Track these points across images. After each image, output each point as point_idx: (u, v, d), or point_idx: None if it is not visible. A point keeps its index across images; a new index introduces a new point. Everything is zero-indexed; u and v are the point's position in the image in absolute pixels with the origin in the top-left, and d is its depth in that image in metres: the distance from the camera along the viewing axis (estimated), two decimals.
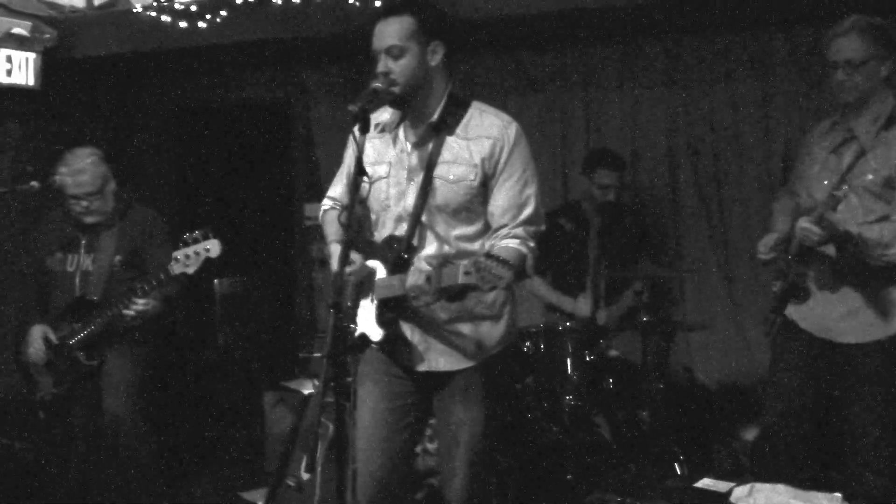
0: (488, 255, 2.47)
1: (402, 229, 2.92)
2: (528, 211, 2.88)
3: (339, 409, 2.58)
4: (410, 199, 2.91)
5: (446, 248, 2.88)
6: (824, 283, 3.38)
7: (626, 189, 4.94)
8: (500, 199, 2.88)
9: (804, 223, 3.23)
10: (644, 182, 5.40)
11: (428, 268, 2.71)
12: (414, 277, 2.69)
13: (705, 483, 3.31)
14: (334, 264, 2.93)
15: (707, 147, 5.27)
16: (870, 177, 3.25)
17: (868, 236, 3.20)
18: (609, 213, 4.87)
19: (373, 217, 3.05)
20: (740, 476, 4.47)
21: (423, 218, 2.89)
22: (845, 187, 3.19)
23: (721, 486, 3.27)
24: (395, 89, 2.82)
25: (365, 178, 2.75)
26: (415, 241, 2.90)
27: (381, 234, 3.01)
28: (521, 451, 4.21)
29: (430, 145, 2.90)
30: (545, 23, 4.87)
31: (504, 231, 2.87)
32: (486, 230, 2.93)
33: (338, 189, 3.22)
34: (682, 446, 4.34)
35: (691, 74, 5.27)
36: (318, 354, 4.35)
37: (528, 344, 4.46)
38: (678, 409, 4.55)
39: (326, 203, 3.25)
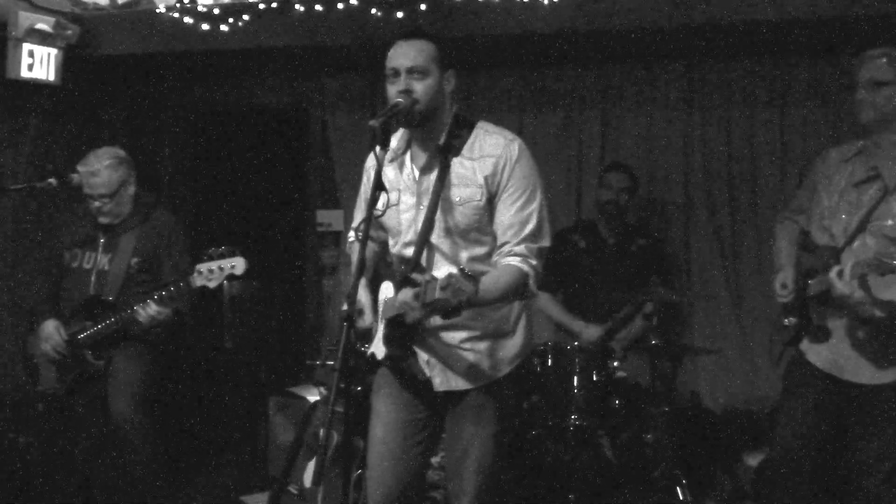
0: (461, 271, 2.51)
1: (410, 252, 2.95)
2: (529, 228, 2.89)
3: (347, 419, 2.60)
4: (419, 224, 2.93)
5: (456, 269, 2.89)
6: (836, 322, 3.36)
7: (633, 197, 4.95)
8: (503, 217, 2.90)
9: (846, 289, 3.14)
10: (658, 204, 5.40)
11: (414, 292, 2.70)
12: (403, 294, 2.70)
13: None
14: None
15: (722, 172, 5.27)
16: (890, 222, 3.22)
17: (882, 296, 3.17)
18: (622, 233, 4.88)
19: (391, 241, 3.10)
20: (742, 502, 4.48)
21: (433, 240, 2.92)
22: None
23: None
24: (417, 107, 2.84)
25: (383, 193, 2.79)
26: (423, 263, 2.92)
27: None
28: (523, 470, 4.21)
29: (437, 169, 2.92)
30: (565, 41, 4.88)
31: (506, 249, 2.89)
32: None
33: (360, 218, 3.22)
34: (684, 470, 4.33)
35: (710, 98, 5.27)
36: (330, 362, 4.35)
37: (535, 361, 4.46)
38: (683, 433, 4.54)
39: (351, 236, 3.27)
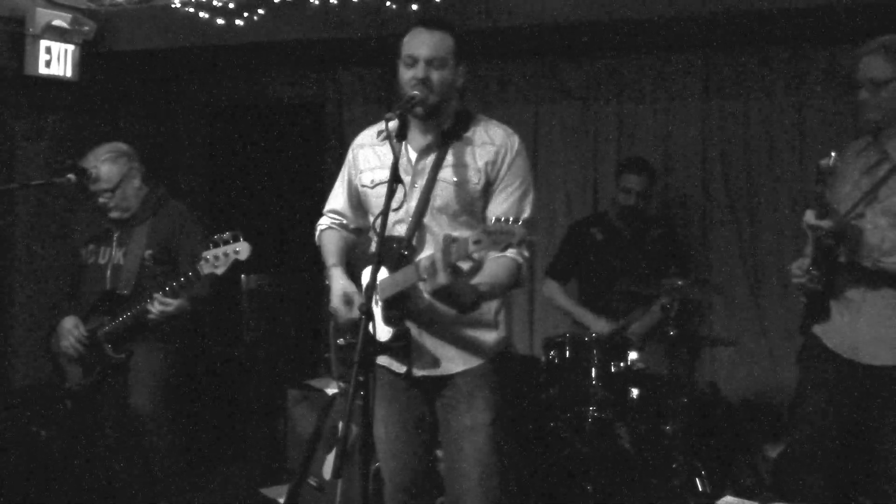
0: (496, 222, 2.48)
1: (401, 230, 2.95)
2: (524, 218, 2.88)
3: (366, 411, 2.61)
4: (413, 203, 2.94)
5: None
6: (850, 302, 3.35)
7: (651, 198, 4.91)
8: (499, 206, 2.93)
9: (809, 216, 3.15)
10: (675, 195, 5.39)
11: (435, 253, 2.69)
12: (425, 262, 2.67)
13: (727, 501, 3.29)
14: (336, 289, 2.98)
15: (740, 162, 5.25)
16: None
17: (869, 239, 3.17)
18: (638, 224, 4.86)
19: (372, 220, 3.08)
20: (761, 493, 4.47)
21: (425, 219, 2.93)
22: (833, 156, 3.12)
23: None
24: (432, 98, 2.86)
25: (371, 171, 2.95)
26: (414, 242, 2.93)
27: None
28: (542, 461, 4.22)
29: (436, 151, 2.94)
30: (581, 32, 4.87)
31: None
32: None
33: (339, 201, 3.22)
34: (703, 462, 4.33)
35: (727, 88, 5.25)
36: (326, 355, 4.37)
37: (552, 353, 4.46)
38: (701, 424, 4.53)
39: (325, 221, 3.26)
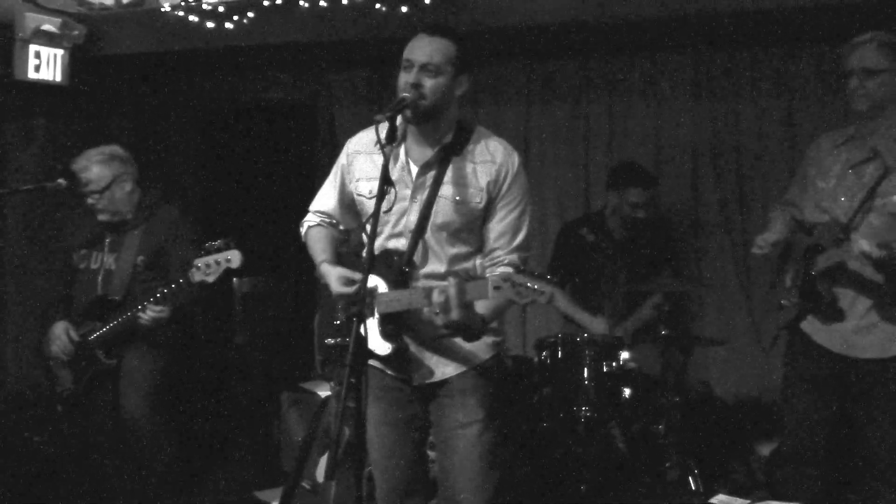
0: (520, 272, 2.56)
1: (398, 244, 2.97)
2: (520, 237, 2.97)
3: (358, 413, 2.61)
4: (413, 217, 2.94)
5: (443, 265, 2.94)
6: (843, 299, 3.36)
7: (654, 205, 4.92)
8: (498, 224, 2.95)
9: (868, 246, 3.14)
10: (666, 195, 5.39)
11: (449, 283, 2.73)
12: (437, 297, 2.72)
13: (720, 499, 3.30)
14: (334, 276, 2.97)
15: (731, 162, 5.26)
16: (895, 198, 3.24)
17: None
18: (632, 226, 4.86)
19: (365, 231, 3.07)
20: (755, 491, 4.48)
21: (425, 236, 2.94)
22: None
23: (736, 502, 3.27)
24: (423, 103, 2.85)
25: (367, 181, 2.96)
26: (416, 258, 2.95)
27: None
28: (535, 462, 4.22)
29: (437, 167, 2.94)
30: (571, 32, 4.87)
31: (498, 257, 2.94)
32: (480, 250, 3.00)
33: (329, 202, 3.20)
34: (696, 460, 4.33)
35: (717, 88, 5.25)
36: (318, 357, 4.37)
37: (545, 353, 4.46)
38: (694, 423, 4.54)
39: (312, 219, 3.24)
